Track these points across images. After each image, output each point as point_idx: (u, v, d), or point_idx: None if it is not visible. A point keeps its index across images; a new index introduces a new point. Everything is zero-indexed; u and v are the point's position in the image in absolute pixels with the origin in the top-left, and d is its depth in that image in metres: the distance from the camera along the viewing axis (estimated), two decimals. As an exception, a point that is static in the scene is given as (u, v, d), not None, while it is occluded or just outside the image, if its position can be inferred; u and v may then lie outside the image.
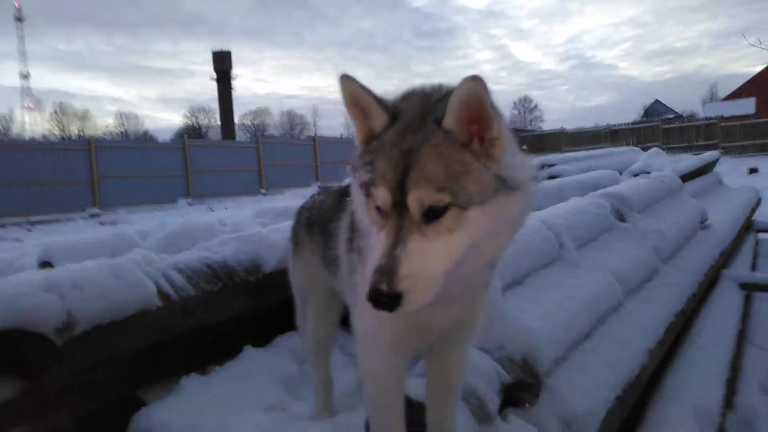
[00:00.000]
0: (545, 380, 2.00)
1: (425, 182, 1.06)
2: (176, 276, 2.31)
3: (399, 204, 1.07)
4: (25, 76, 64.14)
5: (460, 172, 1.08)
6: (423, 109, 1.15)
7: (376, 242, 1.11)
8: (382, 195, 1.09)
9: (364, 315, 1.37)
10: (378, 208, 1.11)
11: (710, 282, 4.54)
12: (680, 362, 3.16)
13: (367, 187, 1.12)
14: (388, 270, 1.02)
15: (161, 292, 2.21)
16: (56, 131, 63.20)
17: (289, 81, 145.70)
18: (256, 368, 2.34)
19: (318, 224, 1.74)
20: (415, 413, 1.64)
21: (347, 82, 1.15)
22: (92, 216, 17.61)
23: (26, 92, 64.86)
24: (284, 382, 2.30)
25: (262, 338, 2.59)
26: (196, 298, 2.34)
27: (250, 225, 3.11)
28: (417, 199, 1.06)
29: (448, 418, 1.54)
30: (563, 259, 2.90)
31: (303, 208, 2.00)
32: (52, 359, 1.91)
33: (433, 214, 1.06)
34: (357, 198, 1.21)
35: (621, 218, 3.80)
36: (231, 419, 1.95)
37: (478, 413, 1.67)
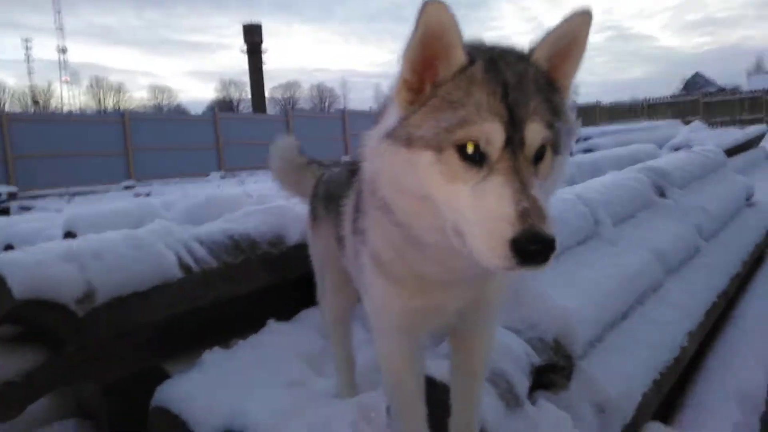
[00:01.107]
0: (578, 363, 1.90)
1: (540, 115, 0.95)
2: (197, 248, 2.27)
3: (510, 142, 0.92)
4: (63, 51, 65.37)
5: (558, 111, 0.99)
6: (508, 49, 1.04)
7: (460, 197, 0.92)
8: (491, 131, 0.91)
9: (374, 298, 1.30)
10: (467, 156, 0.92)
11: (755, 262, 4.33)
12: (722, 345, 3.01)
13: (452, 133, 0.92)
14: (537, 210, 0.86)
15: (182, 264, 2.17)
16: (93, 104, 64.49)
17: (319, 54, 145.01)
18: (279, 343, 2.30)
19: (333, 199, 1.65)
20: (438, 394, 1.57)
21: (437, 8, 0.94)
22: (127, 188, 17.93)
23: (64, 66, 66.25)
24: (307, 358, 2.25)
25: (286, 312, 2.55)
26: (218, 270, 2.30)
27: (276, 197, 3.05)
28: (534, 132, 0.93)
29: (473, 400, 1.47)
30: (599, 236, 2.76)
31: (321, 181, 1.91)
32: (73, 330, 1.89)
33: (538, 156, 0.96)
34: (403, 162, 0.99)
35: (661, 194, 3.62)
36: (251, 394, 1.91)
37: (506, 396, 1.59)
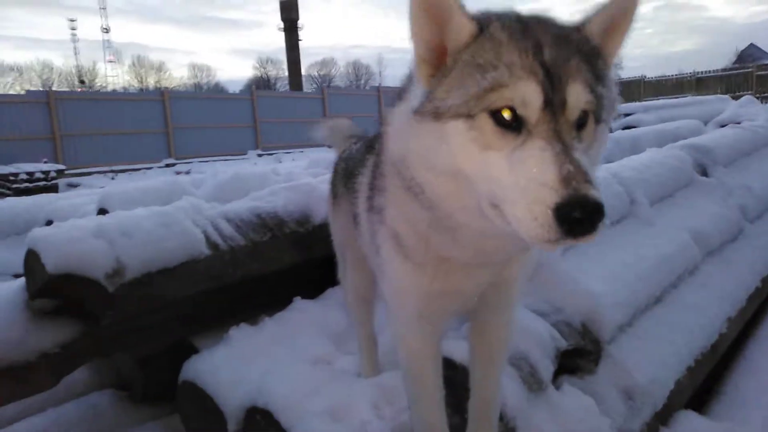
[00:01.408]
0: (607, 347, 1.85)
1: (582, 76, 0.88)
2: (225, 225, 2.29)
3: (549, 104, 0.86)
4: (106, 30, 66.84)
5: (601, 76, 0.94)
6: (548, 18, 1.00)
7: (501, 164, 0.86)
8: (527, 92, 0.84)
9: (392, 280, 1.27)
10: (502, 122, 0.86)
11: (805, 244, 4.11)
12: (765, 333, 2.88)
13: (482, 99, 0.86)
14: (582, 175, 0.79)
15: (209, 241, 2.20)
16: (135, 83, 65.94)
17: (356, 30, 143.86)
18: (304, 320, 2.32)
19: (352, 176, 1.62)
20: (458, 376, 1.55)
21: None
22: (168, 165, 18.37)
23: (108, 45, 67.81)
24: (332, 336, 2.26)
25: (313, 290, 2.56)
26: (245, 248, 2.32)
27: (303, 175, 3.05)
28: (577, 94, 0.87)
29: (493, 383, 1.44)
30: (634, 216, 2.66)
31: (341, 159, 1.88)
32: (105, 304, 1.95)
33: (580, 123, 0.89)
34: (433, 136, 0.93)
35: (704, 173, 3.45)
36: (275, 371, 1.93)
37: (528, 380, 1.56)
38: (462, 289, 1.22)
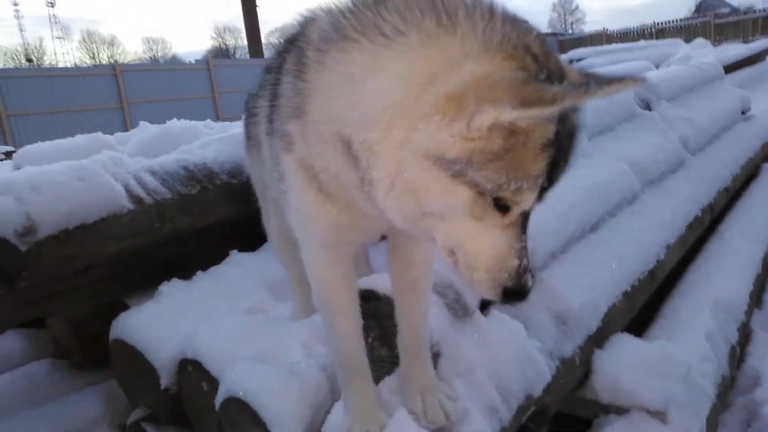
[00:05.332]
0: (539, 274, 1.84)
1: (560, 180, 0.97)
2: (149, 179, 2.19)
3: None
4: (51, 4, 63.62)
5: None
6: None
7: (485, 234, 0.96)
8: (532, 200, 0.94)
9: (299, 210, 1.21)
10: (498, 203, 0.93)
11: (749, 176, 4.20)
12: (705, 258, 2.94)
13: (500, 190, 0.90)
14: (529, 269, 1.00)
15: (132, 195, 2.10)
16: (87, 60, 63.29)
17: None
18: (241, 272, 2.25)
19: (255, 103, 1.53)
20: (382, 306, 1.52)
21: None
22: (124, 141, 17.84)
23: (54, 21, 64.67)
24: (270, 285, 2.21)
25: (252, 245, 2.49)
26: (173, 201, 2.23)
27: (237, 126, 2.93)
28: (549, 195, 0.97)
29: (418, 311, 1.41)
30: (573, 150, 2.64)
31: (249, 96, 1.76)
32: (18, 264, 1.85)
33: None
34: (437, 186, 0.91)
35: (647, 107, 3.45)
36: (207, 321, 1.87)
37: (453, 306, 1.54)
38: (373, 223, 1.17)
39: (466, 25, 0.92)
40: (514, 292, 0.97)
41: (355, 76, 0.96)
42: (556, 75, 0.91)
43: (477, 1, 0.98)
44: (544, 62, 0.91)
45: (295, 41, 1.13)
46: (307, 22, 1.14)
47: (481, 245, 0.97)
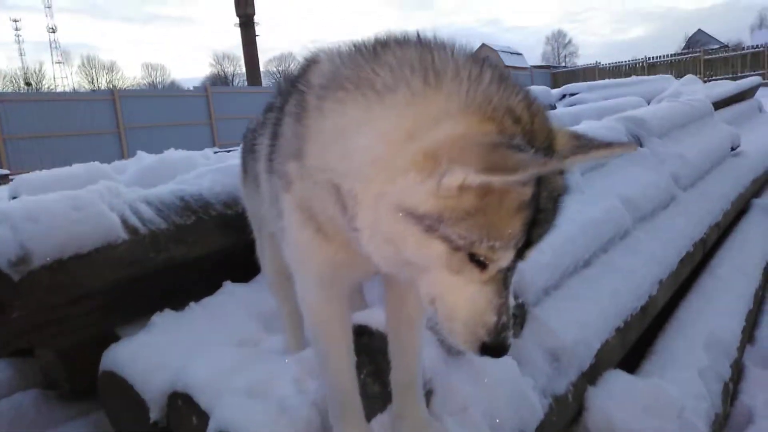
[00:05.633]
0: (532, 310, 1.84)
1: (542, 239, 0.96)
2: (145, 209, 2.20)
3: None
4: (53, 30, 64.38)
5: None
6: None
7: (465, 289, 0.95)
8: (509, 258, 0.92)
9: (297, 247, 1.23)
10: (475, 259, 0.92)
11: (739, 211, 4.25)
12: (697, 294, 2.95)
13: (475, 246, 0.89)
14: (509, 325, 0.97)
15: (127, 225, 2.11)
16: (86, 84, 63.79)
17: (314, 25, 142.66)
18: (233, 304, 2.25)
19: (255, 141, 1.55)
20: (375, 342, 1.52)
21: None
22: (120, 166, 17.85)
23: (55, 46, 65.35)
24: (262, 317, 2.20)
25: (245, 275, 2.49)
26: (168, 232, 2.23)
27: (234, 157, 2.96)
28: (531, 254, 0.96)
29: (411, 348, 1.41)
30: (566, 185, 2.67)
31: (248, 130, 1.80)
32: (11, 293, 1.84)
33: None
34: (412, 239, 0.91)
35: (639, 144, 3.51)
36: (198, 354, 1.86)
37: (446, 343, 1.53)
38: (359, 263, 1.18)
39: (451, 84, 0.94)
40: (492, 349, 0.95)
41: (346, 128, 0.98)
42: (540, 137, 0.92)
43: (467, 61, 1.00)
44: (527, 124, 0.92)
45: (297, 83, 1.15)
46: (309, 66, 1.16)
47: (459, 299, 0.95)
